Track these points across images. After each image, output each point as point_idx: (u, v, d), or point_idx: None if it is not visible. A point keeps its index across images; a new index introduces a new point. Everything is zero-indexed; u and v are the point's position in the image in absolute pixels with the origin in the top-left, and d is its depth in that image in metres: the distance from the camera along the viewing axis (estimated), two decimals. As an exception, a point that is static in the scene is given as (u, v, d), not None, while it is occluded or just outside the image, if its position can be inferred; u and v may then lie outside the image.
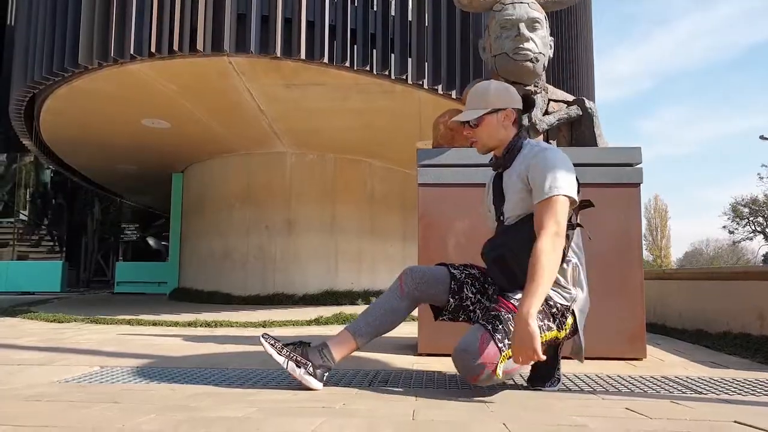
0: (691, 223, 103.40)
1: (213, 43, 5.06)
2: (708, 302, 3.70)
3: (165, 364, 2.67)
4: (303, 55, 5.15)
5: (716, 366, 2.68)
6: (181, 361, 2.74)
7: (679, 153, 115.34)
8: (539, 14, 3.05)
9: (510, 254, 1.96)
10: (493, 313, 1.87)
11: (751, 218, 37.51)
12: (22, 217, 16.96)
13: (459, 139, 3.20)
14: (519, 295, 1.87)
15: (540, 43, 3.02)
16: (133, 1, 5.13)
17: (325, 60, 5.22)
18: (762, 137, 28.87)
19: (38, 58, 5.86)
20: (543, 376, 2.08)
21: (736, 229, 38.73)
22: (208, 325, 4.60)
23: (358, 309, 6.43)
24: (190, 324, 4.63)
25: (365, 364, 2.69)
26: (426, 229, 3.05)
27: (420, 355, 2.96)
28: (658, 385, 2.17)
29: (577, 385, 2.15)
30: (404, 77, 5.57)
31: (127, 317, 5.04)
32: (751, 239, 40.42)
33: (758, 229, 37.45)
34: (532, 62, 3.00)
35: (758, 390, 2.10)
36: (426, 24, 5.80)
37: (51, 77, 5.72)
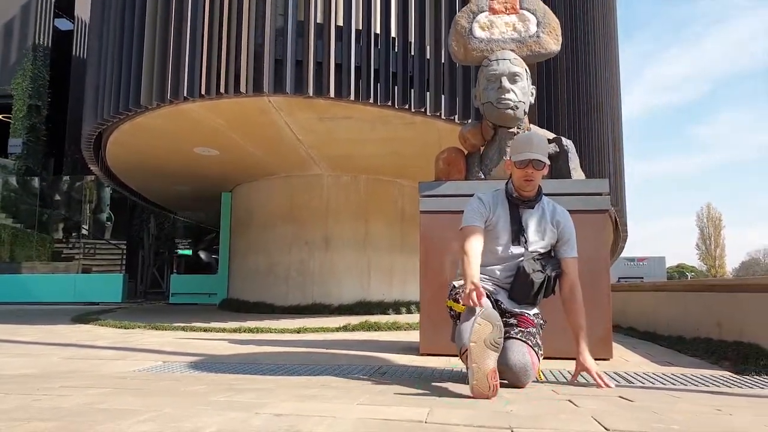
0: (749, 232, 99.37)
1: (254, 86, 5.82)
2: (686, 311, 4.14)
3: (213, 360, 3.36)
4: (332, 94, 5.85)
5: (667, 365, 3.16)
6: (225, 358, 3.43)
7: (737, 159, 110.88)
8: (519, 68, 3.62)
9: (550, 279, 2.54)
10: (524, 329, 2.44)
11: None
12: (84, 232, 18.41)
13: (454, 173, 3.80)
14: (533, 311, 2.54)
15: (520, 93, 3.59)
16: (186, 49, 5.96)
17: (352, 97, 5.90)
18: None
19: (107, 98, 6.78)
20: None
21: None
22: (250, 331, 5.31)
23: (387, 317, 7.04)
24: (235, 330, 5.35)
25: (374, 361, 3.30)
26: (426, 248, 3.66)
27: (422, 354, 3.53)
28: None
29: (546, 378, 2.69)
30: (423, 110, 6.20)
31: (182, 324, 5.83)
32: None
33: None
34: (513, 110, 3.57)
35: (678, 382, 2.60)
36: (443, 61, 6.42)
37: (118, 116, 6.63)
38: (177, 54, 6.02)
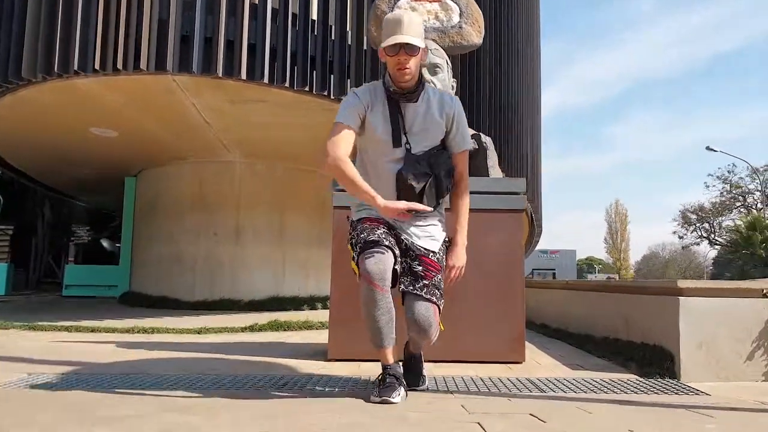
0: (652, 227, 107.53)
1: (157, 63, 5.30)
2: (595, 311, 4.17)
3: (89, 370, 2.94)
4: (244, 76, 5.45)
5: (578, 368, 3.12)
6: (105, 368, 3.01)
7: (644, 159, 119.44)
8: (440, 60, 3.45)
9: (438, 179, 2.27)
10: (429, 281, 2.23)
11: (698, 224, 39.26)
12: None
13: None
14: (435, 246, 2.31)
15: (440, 85, 3.40)
16: (77, 17, 5.32)
17: (265, 80, 5.53)
18: (708, 148, 30.29)
19: (-17, 67, 5.97)
20: (415, 376, 2.46)
21: (685, 234, 40.53)
22: (145, 331, 4.84)
23: (299, 315, 6.75)
24: (128, 330, 4.87)
25: (276, 369, 3.02)
26: (339, 247, 3.40)
27: (330, 360, 3.29)
28: (515, 386, 2.57)
29: (445, 385, 2.53)
30: (343, 97, 5.92)
31: (67, 324, 5.23)
32: (698, 244, 42.34)
33: (704, 234, 39.25)
34: (432, 101, 3.38)
35: (589, 389, 2.52)
36: (364, 47, 6.17)
37: (-5, 87, 5.85)
38: (67, 22, 5.37)
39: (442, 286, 2.30)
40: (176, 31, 5.39)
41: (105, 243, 19.25)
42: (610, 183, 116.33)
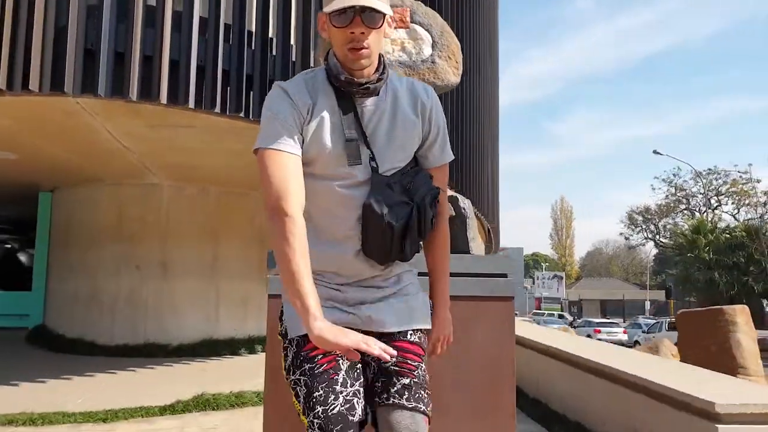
0: (595, 222, 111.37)
1: (53, 83, 4.29)
2: (597, 400, 3.53)
3: None
4: (164, 100, 4.50)
5: None
6: None
7: (586, 155, 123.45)
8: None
9: (422, 211, 1.45)
10: (406, 381, 1.42)
11: (644, 226, 40.55)
12: None
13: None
14: (416, 321, 1.52)
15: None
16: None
17: (191, 105, 4.61)
18: (655, 152, 31.07)
19: None
20: None
21: (631, 235, 41.79)
22: (32, 422, 3.85)
23: (230, 385, 5.85)
24: (9, 421, 3.85)
25: None
26: (274, 343, 2.60)
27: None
28: None
29: None
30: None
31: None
32: (644, 245, 43.86)
33: (649, 236, 40.59)
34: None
35: None
36: (311, 64, 5.34)
37: None
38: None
39: (428, 381, 1.48)
40: (78, 43, 4.38)
41: (22, 257, 17.43)
42: (555, 179, 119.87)
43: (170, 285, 7.49)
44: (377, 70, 1.47)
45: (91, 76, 4.38)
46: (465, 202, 2.85)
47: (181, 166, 6.73)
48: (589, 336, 23.12)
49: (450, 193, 2.96)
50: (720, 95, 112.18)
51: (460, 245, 2.78)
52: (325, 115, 1.44)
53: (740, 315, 7.47)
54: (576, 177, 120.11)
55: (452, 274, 2.28)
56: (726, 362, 7.11)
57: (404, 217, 1.41)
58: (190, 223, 7.64)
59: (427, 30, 2.92)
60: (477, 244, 2.84)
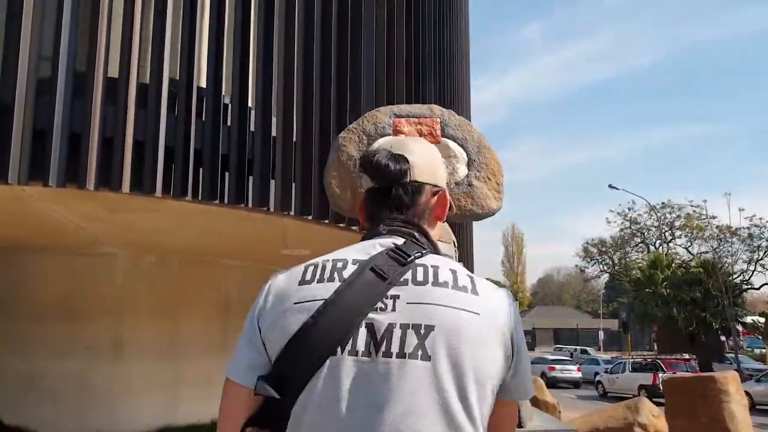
0: (548, 246, 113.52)
1: (-8, 170, 3.61)
2: None
3: None
4: (127, 189, 3.87)
5: None
6: None
7: (535, 180, 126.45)
8: (445, 245, 2.23)
9: None
10: None
11: (599, 258, 41.17)
12: None
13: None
14: None
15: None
16: None
17: (158, 193, 3.99)
18: (611, 186, 31.73)
19: None
20: None
21: (587, 267, 42.34)
22: None
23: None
24: None
25: None
26: None
27: None
28: None
29: None
30: (265, 207, 4.52)
31: None
32: (599, 278, 44.57)
33: (605, 269, 41.22)
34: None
35: None
36: (294, 139, 4.82)
37: None
38: None
39: None
40: (25, 121, 3.73)
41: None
42: (506, 204, 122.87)
43: (124, 367, 6.68)
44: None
45: (40, 161, 3.72)
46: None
47: (140, 240, 6.04)
48: (543, 374, 22.56)
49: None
50: (661, 123, 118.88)
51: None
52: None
53: (732, 383, 7.28)
54: (526, 203, 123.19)
55: None
56: (718, 433, 6.88)
57: None
58: (148, 296, 6.89)
59: (461, 145, 2.43)
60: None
